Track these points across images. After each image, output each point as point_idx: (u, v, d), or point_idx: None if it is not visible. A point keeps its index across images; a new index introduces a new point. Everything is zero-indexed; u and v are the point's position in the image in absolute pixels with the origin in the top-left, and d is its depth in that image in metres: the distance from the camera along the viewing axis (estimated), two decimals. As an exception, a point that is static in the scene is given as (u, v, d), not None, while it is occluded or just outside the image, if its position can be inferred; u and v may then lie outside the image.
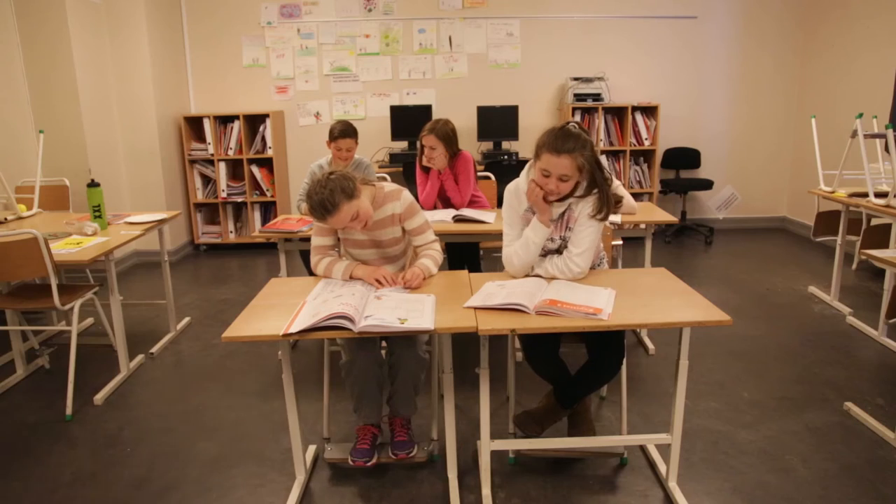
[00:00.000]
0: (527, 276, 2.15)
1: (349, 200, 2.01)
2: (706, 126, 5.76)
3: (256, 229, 5.41)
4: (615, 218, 2.94)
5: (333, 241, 2.27)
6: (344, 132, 3.31)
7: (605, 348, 2.08)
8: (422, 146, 3.35)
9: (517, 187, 2.16)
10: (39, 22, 4.28)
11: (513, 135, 5.34)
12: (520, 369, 2.34)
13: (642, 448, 2.34)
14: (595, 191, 2.06)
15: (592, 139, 2.03)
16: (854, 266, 4.55)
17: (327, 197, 1.98)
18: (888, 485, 2.10)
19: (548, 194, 2.04)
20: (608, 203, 2.06)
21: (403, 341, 2.13)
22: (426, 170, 3.42)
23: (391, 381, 2.20)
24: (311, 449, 2.35)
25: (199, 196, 5.45)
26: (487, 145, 5.42)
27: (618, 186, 2.26)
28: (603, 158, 5.38)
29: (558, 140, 1.96)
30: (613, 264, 2.59)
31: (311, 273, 2.29)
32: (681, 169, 5.74)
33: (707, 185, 5.52)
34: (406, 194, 2.24)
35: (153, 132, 4.97)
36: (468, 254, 3.50)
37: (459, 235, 3.08)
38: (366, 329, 1.71)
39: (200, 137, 5.38)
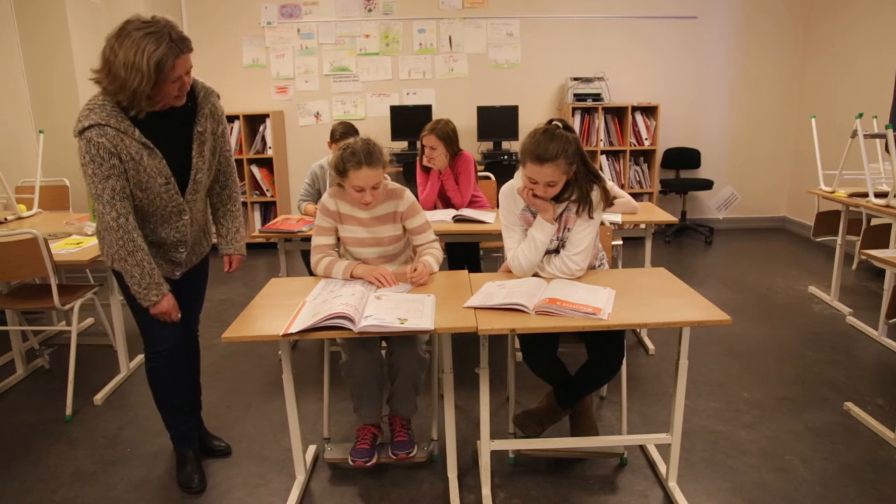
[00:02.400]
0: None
1: (385, 166, 2.12)
2: (706, 126, 5.76)
3: (256, 229, 5.41)
4: (615, 218, 2.94)
5: (334, 241, 2.27)
6: (346, 133, 3.31)
7: (605, 348, 2.08)
8: (422, 146, 3.35)
9: (511, 188, 2.17)
10: (39, 22, 4.28)
11: (513, 135, 5.34)
12: (520, 369, 2.34)
13: (642, 448, 2.34)
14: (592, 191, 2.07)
15: (577, 135, 2.03)
16: (854, 266, 4.55)
17: (375, 149, 2.08)
18: (888, 485, 2.10)
19: (538, 197, 2.06)
20: (586, 199, 2.05)
21: (403, 341, 2.12)
22: (426, 170, 3.42)
23: (391, 381, 2.19)
24: (311, 449, 2.35)
25: (199, 196, 5.44)
26: (487, 145, 5.42)
27: (611, 188, 2.26)
28: (603, 159, 5.40)
29: (540, 147, 1.95)
30: (613, 264, 2.59)
31: (312, 273, 2.29)
32: (681, 169, 5.74)
33: (707, 185, 5.52)
34: (408, 194, 2.26)
35: (153, 132, 4.96)
36: (468, 254, 3.50)
37: (459, 235, 3.08)
38: (366, 329, 1.71)
39: (200, 137, 5.37)
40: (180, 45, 1.77)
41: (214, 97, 2.05)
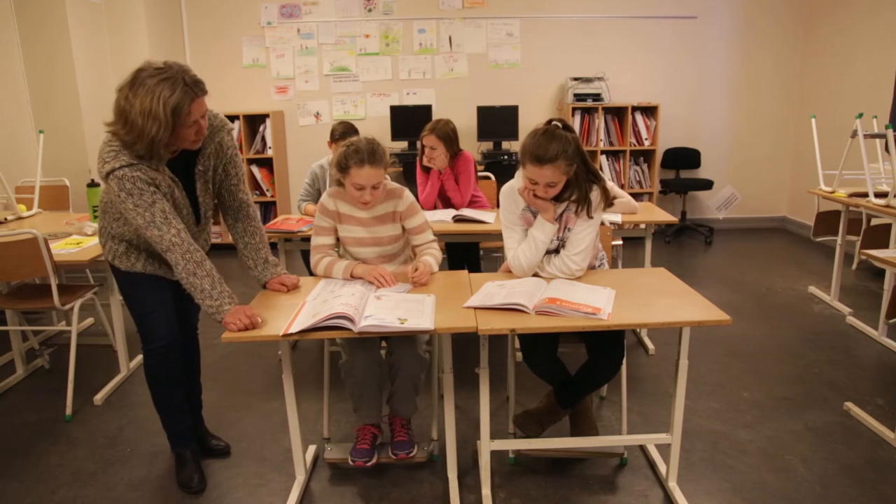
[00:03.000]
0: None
1: (386, 167, 2.12)
2: (706, 126, 5.76)
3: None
4: (615, 218, 2.94)
5: (333, 241, 2.28)
6: (346, 133, 3.31)
7: (605, 348, 2.08)
8: (422, 146, 3.35)
9: (512, 188, 2.17)
10: (39, 22, 4.28)
11: (513, 135, 5.34)
12: (520, 369, 2.34)
13: (642, 448, 2.34)
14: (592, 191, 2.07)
15: (577, 134, 2.03)
16: (854, 266, 4.55)
17: (379, 149, 2.08)
18: (888, 485, 2.10)
19: (539, 198, 2.06)
20: (586, 198, 2.06)
21: (403, 341, 2.13)
22: (427, 170, 3.43)
23: (391, 381, 2.20)
24: (311, 449, 2.35)
25: (199, 196, 5.44)
26: (487, 145, 5.42)
27: (611, 188, 2.26)
28: (603, 159, 5.40)
29: (540, 148, 1.95)
30: (613, 264, 2.59)
31: (312, 273, 2.29)
32: (681, 169, 5.74)
33: (707, 185, 5.52)
34: (408, 193, 2.26)
35: (153, 132, 4.96)
36: (468, 254, 3.50)
37: (459, 235, 3.08)
38: (366, 329, 1.71)
39: (200, 137, 5.37)
40: (195, 88, 1.76)
41: (224, 133, 2.03)
